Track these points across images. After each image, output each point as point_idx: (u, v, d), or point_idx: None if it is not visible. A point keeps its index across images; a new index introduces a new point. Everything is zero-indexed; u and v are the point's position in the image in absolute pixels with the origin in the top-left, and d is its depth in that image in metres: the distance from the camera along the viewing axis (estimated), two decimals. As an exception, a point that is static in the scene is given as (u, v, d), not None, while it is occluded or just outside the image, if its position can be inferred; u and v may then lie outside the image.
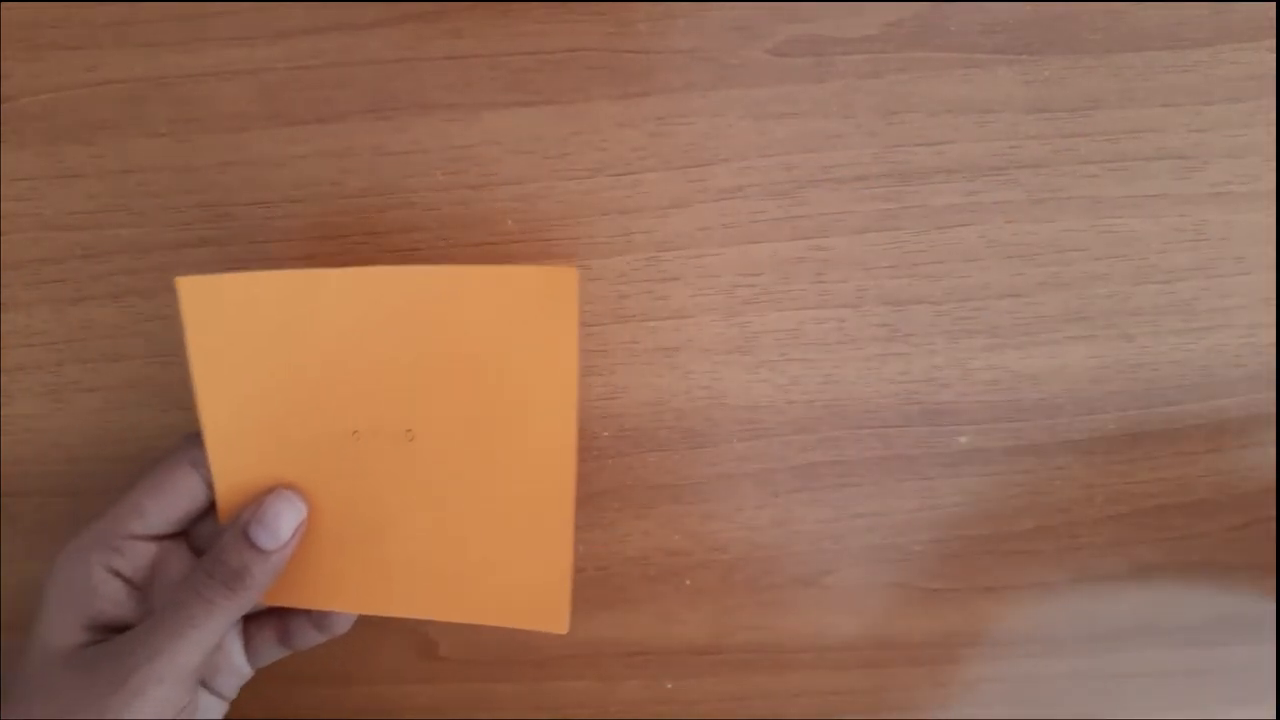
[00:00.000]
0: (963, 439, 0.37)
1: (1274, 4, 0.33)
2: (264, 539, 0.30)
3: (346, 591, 0.32)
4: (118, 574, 0.30)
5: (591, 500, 0.38)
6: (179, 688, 0.29)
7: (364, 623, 0.39)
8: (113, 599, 0.30)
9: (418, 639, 0.40)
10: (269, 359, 0.29)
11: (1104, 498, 0.38)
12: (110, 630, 0.30)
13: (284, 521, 0.30)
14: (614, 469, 0.38)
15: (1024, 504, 0.38)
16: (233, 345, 0.29)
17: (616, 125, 0.34)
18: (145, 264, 0.35)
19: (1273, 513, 0.39)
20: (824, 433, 0.37)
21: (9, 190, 0.35)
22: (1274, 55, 0.34)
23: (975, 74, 0.34)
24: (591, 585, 0.39)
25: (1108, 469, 0.38)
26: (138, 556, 0.30)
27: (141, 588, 0.31)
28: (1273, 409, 0.37)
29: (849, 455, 0.38)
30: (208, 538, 0.33)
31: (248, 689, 0.36)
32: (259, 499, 0.31)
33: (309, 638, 0.34)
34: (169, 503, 0.31)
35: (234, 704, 0.38)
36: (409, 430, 0.30)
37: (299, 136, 0.34)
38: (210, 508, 0.32)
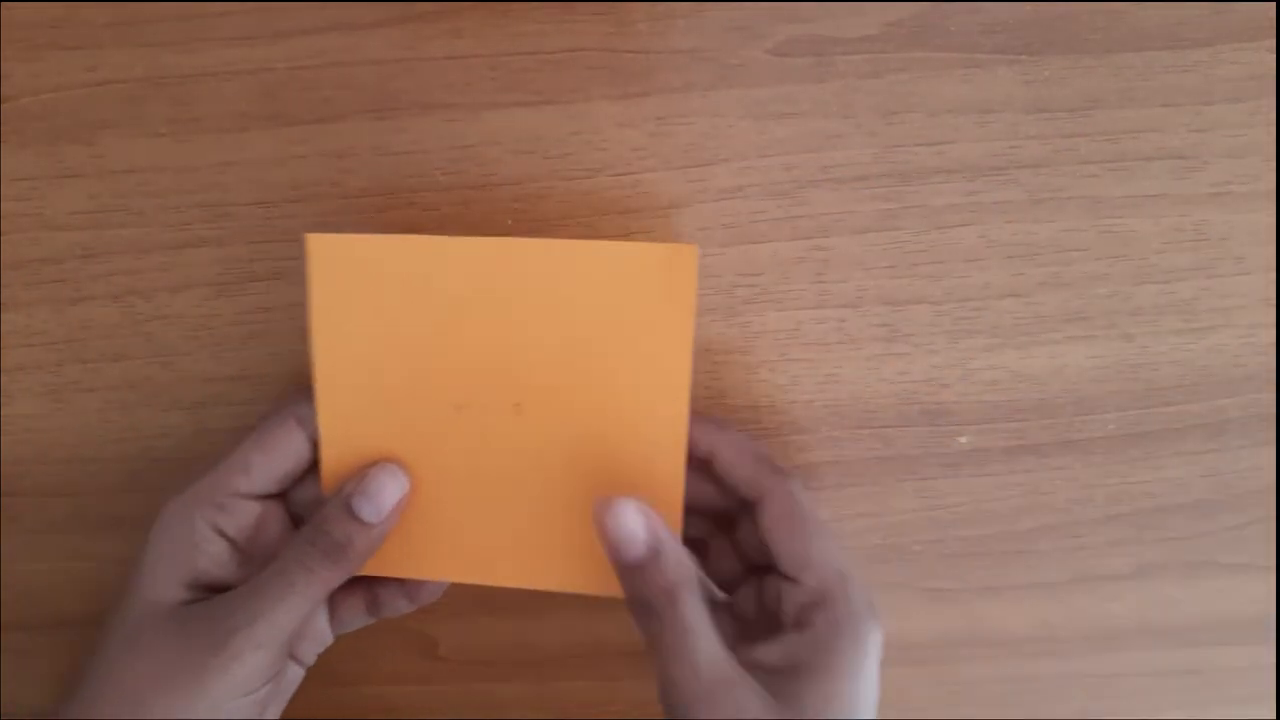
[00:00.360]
0: (963, 439, 0.37)
1: (1274, 4, 0.33)
2: (367, 511, 0.30)
3: (445, 561, 0.32)
4: (221, 533, 0.30)
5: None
6: (274, 653, 0.29)
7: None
8: (215, 558, 0.30)
9: (418, 639, 0.40)
10: (387, 324, 0.29)
11: (1104, 498, 0.38)
12: (209, 590, 0.30)
13: (387, 495, 0.30)
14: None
15: (1024, 504, 0.38)
16: (353, 308, 0.29)
17: (616, 125, 0.34)
18: (145, 264, 0.35)
19: (1273, 512, 0.39)
20: (824, 433, 0.37)
21: (9, 190, 0.35)
22: (1274, 55, 0.34)
23: (975, 74, 0.34)
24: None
25: (1108, 469, 0.38)
26: (241, 515, 0.30)
27: (243, 548, 0.31)
28: (1273, 409, 0.37)
29: (849, 455, 0.38)
30: (305, 503, 0.33)
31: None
32: (363, 471, 0.31)
33: (398, 606, 0.34)
34: (275, 460, 0.31)
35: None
36: (518, 403, 0.30)
37: (299, 136, 0.34)
38: (310, 469, 0.32)
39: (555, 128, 0.34)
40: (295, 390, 0.32)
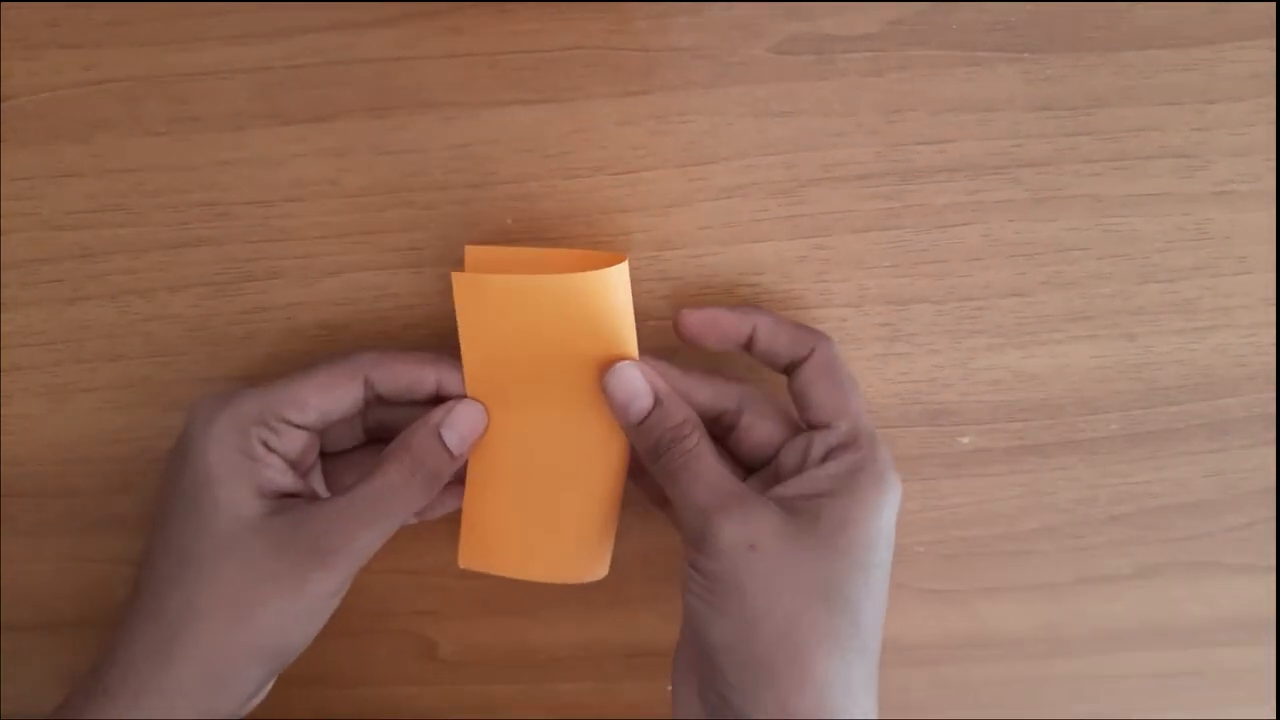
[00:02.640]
0: (965, 439, 0.37)
1: (1275, 2, 0.33)
2: (454, 442, 0.32)
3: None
4: (273, 450, 0.31)
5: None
6: (358, 568, 0.31)
7: (363, 625, 0.39)
8: (276, 469, 0.31)
9: (418, 641, 0.40)
10: (495, 342, 0.32)
11: (1106, 498, 0.38)
12: (277, 497, 0.31)
13: (470, 427, 0.33)
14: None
15: (1026, 504, 0.38)
16: (487, 333, 0.32)
17: (616, 124, 0.34)
18: (143, 264, 0.35)
19: (1275, 513, 0.38)
20: (825, 433, 0.37)
21: (7, 190, 0.35)
22: (1274, 54, 0.33)
23: (977, 72, 0.34)
24: (592, 585, 0.38)
25: (1110, 469, 0.38)
26: (290, 440, 0.32)
27: (296, 465, 0.32)
28: (1275, 409, 0.37)
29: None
30: (337, 435, 0.35)
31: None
32: (449, 405, 0.33)
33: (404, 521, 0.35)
34: (330, 404, 0.32)
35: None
36: (546, 406, 0.34)
37: (297, 135, 0.34)
38: (355, 417, 0.34)
39: (555, 126, 0.34)
40: (366, 350, 0.33)
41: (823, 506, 0.30)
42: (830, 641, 0.29)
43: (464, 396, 0.33)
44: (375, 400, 0.33)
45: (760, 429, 0.33)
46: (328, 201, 0.35)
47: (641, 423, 0.32)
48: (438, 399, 0.33)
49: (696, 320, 0.33)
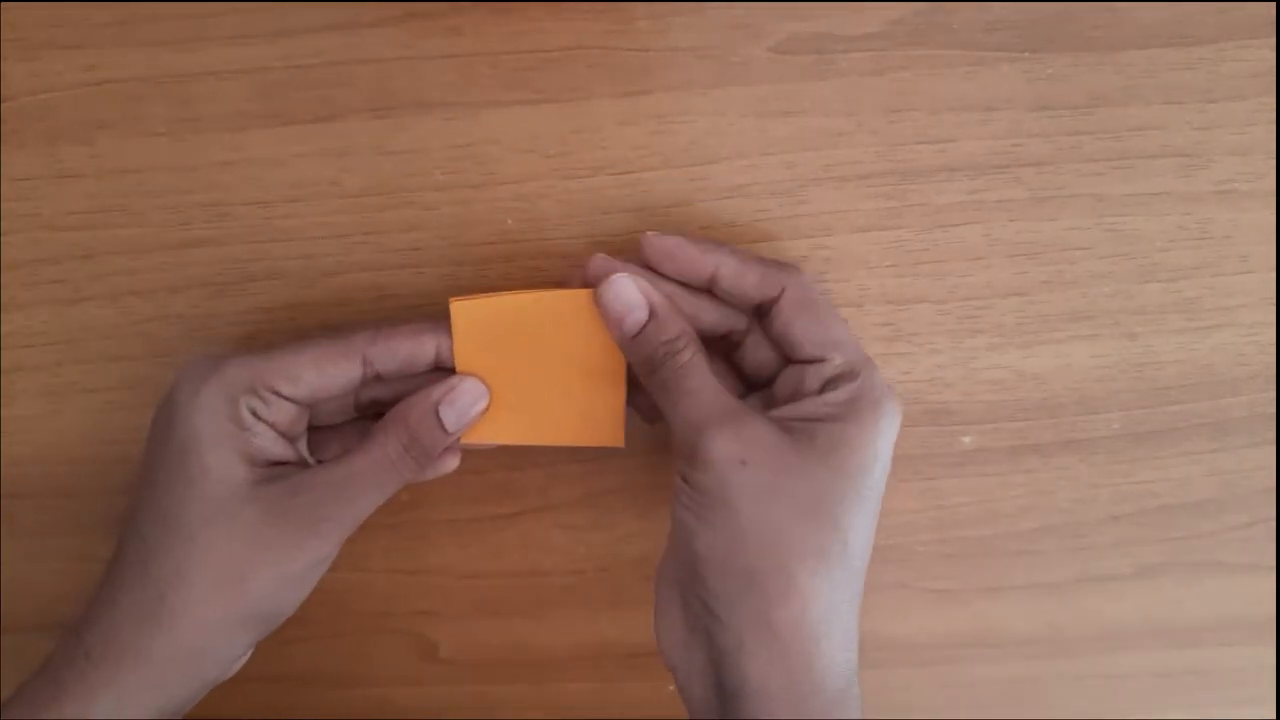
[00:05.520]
0: (966, 439, 0.37)
1: (1275, 2, 0.33)
2: (451, 421, 0.32)
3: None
4: (261, 419, 0.31)
5: (594, 500, 0.38)
6: (349, 535, 0.31)
7: (364, 625, 0.39)
8: (264, 437, 0.31)
9: (419, 642, 0.40)
10: (494, 370, 0.33)
11: (1107, 497, 0.38)
12: (267, 465, 0.31)
13: (472, 409, 0.32)
14: (616, 469, 0.38)
15: (1027, 504, 0.38)
16: (482, 360, 0.33)
17: (617, 124, 0.34)
18: (144, 264, 0.35)
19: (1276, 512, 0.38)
20: (826, 432, 0.37)
21: (8, 190, 0.35)
22: (1274, 53, 0.33)
23: (978, 72, 0.33)
24: (593, 586, 0.39)
25: (1111, 469, 0.38)
26: (280, 411, 0.31)
27: (285, 435, 0.32)
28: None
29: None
30: (328, 409, 0.34)
31: (248, 690, 0.36)
32: (450, 381, 0.32)
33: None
34: (324, 383, 0.31)
35: (234, 706, 0.38)
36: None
37: (298, 136, 0.34)
38: (352, 395, 0.34)
39: (555, 126, 0.34)
40: (363, 329, 0.32)
41: (819, 428, 0.29)
42: (816, 557, 0.29)
43: (464, 375, 0.32)
44: (374, 378, 0.33)
45: (765, 350, 0.33)
46: (328, 202, 0.35)
47: (636, 335, 0.31)
48: (437, 369, 0.33)
49: (656, 247, 0.32)
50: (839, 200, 0.35)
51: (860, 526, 0.29)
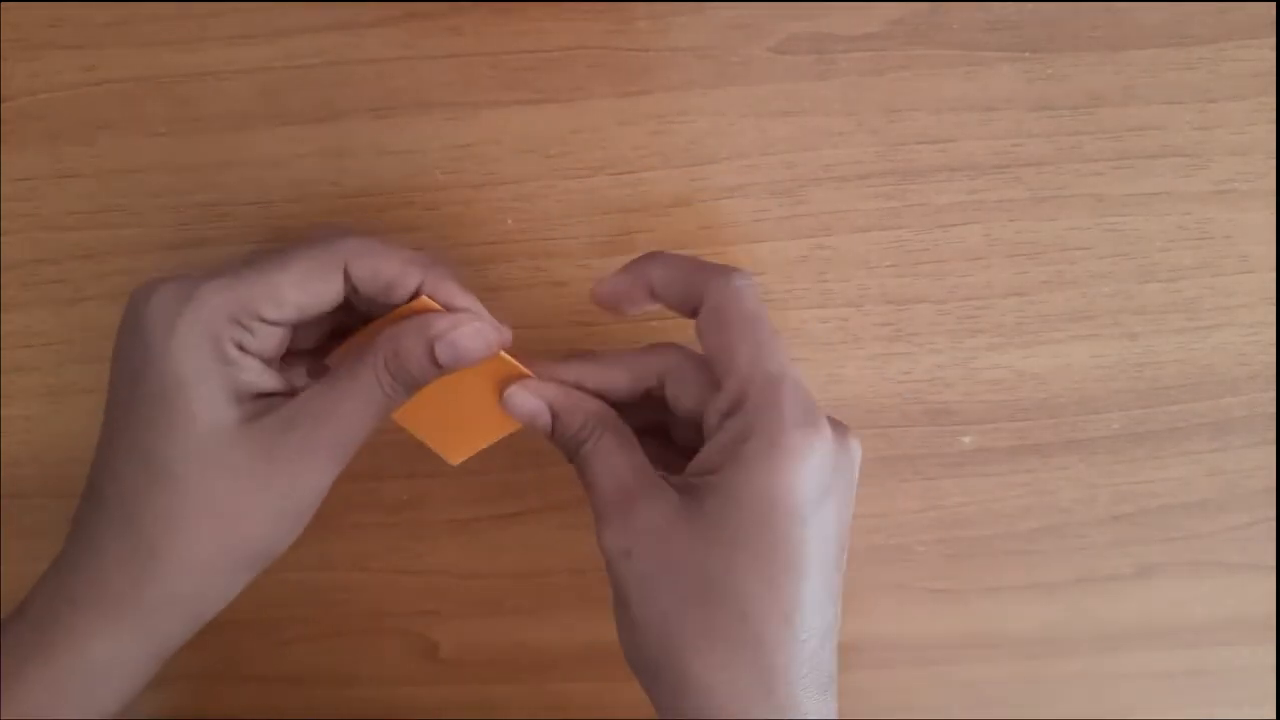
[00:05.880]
0: (966, 439, 0.37)
1: (1275, 2, 0.33)
2: (446, 357, 0.30)
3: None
4: (245, 350, 0.29)
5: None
6: (345, 464, 0.30)
7: (364, 625, 0.39)
8: (250, 370, 0.29)
9: (419, 642, 0.40)
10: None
11: (1108, 497, 0.38)
12: (253, 398, 0.29)
13: (473, 351, 0.30)
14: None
15: (1027, 504, 0.38)
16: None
17: (617, 124, 0.34)
18: (144, 264, 0.35)
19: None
20: (826, 432, 0.37)
21: (8, 190, 0.35)
22: (1274, 53, 0.33)
23: (978, 71, 0.33)
24: (593, 586, 0.38)
25: (1111, 469, 0.38)
26: (265, 338, 0.29)
27: (271, 363, 0.30)
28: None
29: (852, 455, 0.37)
30: (306, 331, 0.32)
31: (247, 690, 0.36)
32: (456, 318, 0.30)
33: None
34: (309, 300, 0.29)
35: (233, 707, 0.38)
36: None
37: (298, 136, 0.34)
38: (334, 310, 0.31)
39: (555, 126, 0.34)
40: (349, 237, 0.30)
41: (708, 485, 0.27)
42: (705, 640, 0.26)
43: (469, 317, 0.30)
44: (351, 292, 0.30)
45: (685, 397, 0.30)
46: (328, 202, 0.35)
47: (551, 435, 0.31)
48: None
49: (603, 294, 0.31)
50: (839, 200, 0.35)
51: (768, 595, 0.26)
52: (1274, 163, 0.34)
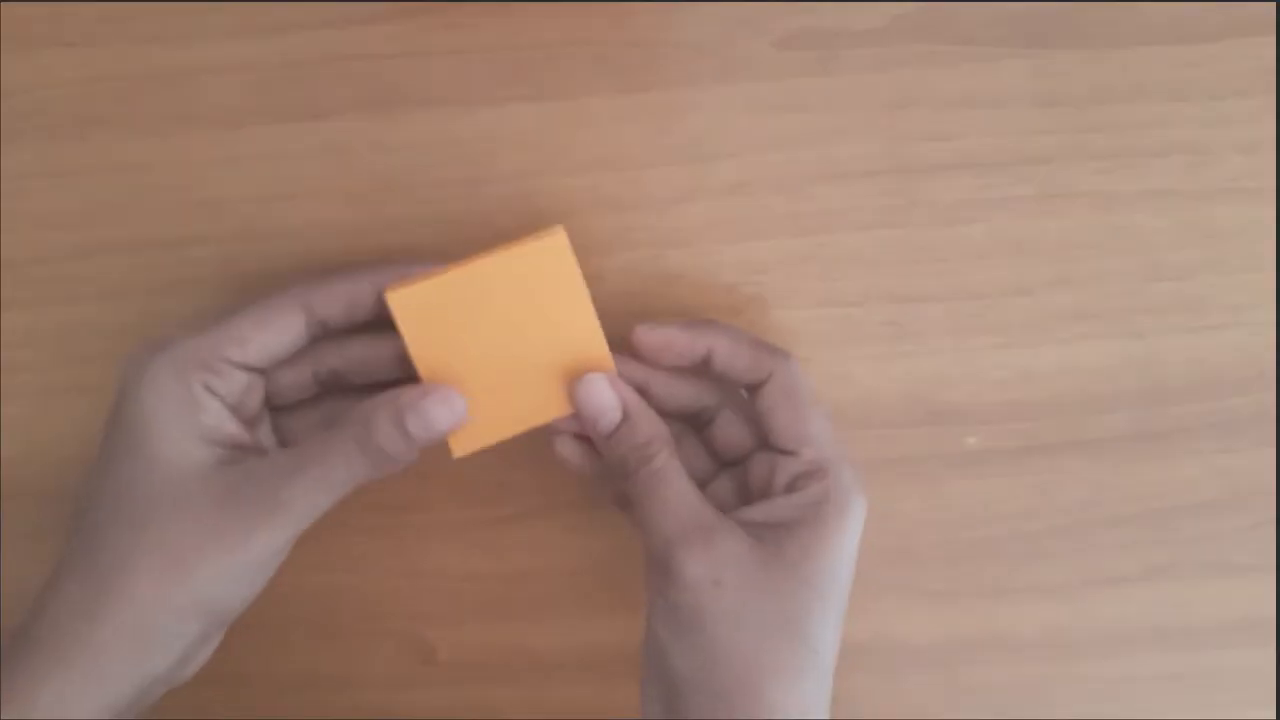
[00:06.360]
0: (971, 440, 0.37)
1: (1274, 3, 0.33)
2: (417, 429, 0.30)
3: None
4: (214, 393, 0.30)
5: (593, 501, 0.38)
6: (305, 526, 0.30)
7: (361, 628, 0.39)
8: (217, 415, 0.30)
9: (416, 645, 0.40)
10: (455, 353, 0.31)
11: (1113, 498, 0.38)
12: (223, 446, 0.30)
13: (440, 420, 0.30)
14: (616, 470, 0.38)
15: (1032, 505, 0.38)
16: (439, 346, 0.31)
17: (618, 120, 0.34)
18: (141, 262, 0.35)
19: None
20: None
21: (4, 188, 0.35)
22: (1274, 52, 0.33)
23: (983, 68, 0.33)
24: (593, 588, 0.38)
25: (1117, 469, 0.38)
26: (233, 382, 0.30)
27: (235, 409, 0.31)
28: (1285, 408, 0.37)
29: (855, 456, 0.37)
30: (287, 383, 0.33)
31: (243, 692, 0.36)
32: (424, 389, 0.30)
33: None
34: (271, 338, 0.31)
35: (231, 708, 0.38)
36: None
37: (295, 133, 0.34)
38: (298, 354, 0.32)
39: (555, 123, 0.34)
40: (302, 276, 0.31)
41: (786, 536, 0.30)
42: (788, 673, 0.29)
43: (440, 386, 0.31)
44: (321, 334, 0.31)
45: (735, 431, 0.33)
46: (325, 199, 0.34)
47: (609, 436, 0.31)
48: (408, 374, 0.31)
49: (651, 341, 0.32)
50: (842, 197, 0.34)
51: (828, 631, 0.30)
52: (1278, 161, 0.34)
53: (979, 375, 0.36)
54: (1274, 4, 0.33)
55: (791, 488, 0.31)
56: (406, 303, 0.30)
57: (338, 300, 0.31)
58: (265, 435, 0.33)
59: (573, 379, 0.31)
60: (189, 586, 0.29)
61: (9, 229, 0.35)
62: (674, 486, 0.31)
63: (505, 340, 0.31)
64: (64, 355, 0.36)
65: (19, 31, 0.33)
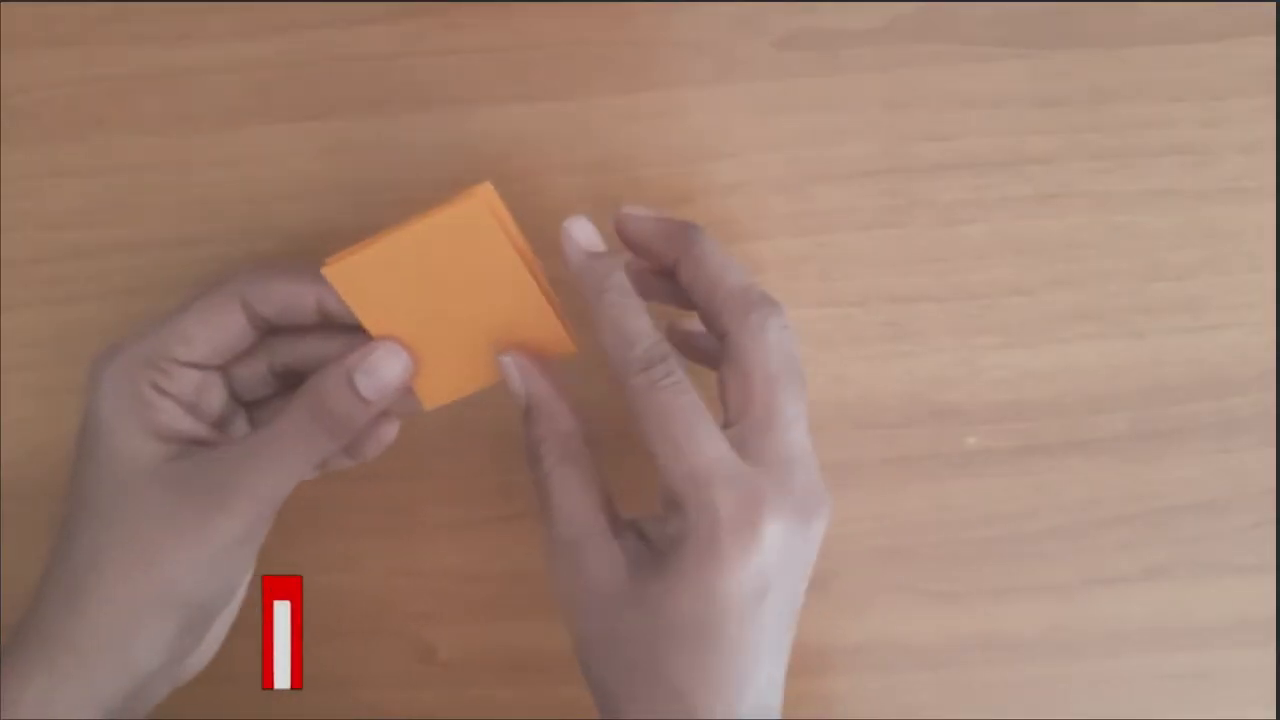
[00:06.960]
0: (971, 439, 0.37)
1: (1274, 3, 0.33)
2: (367, 388, 0.30)
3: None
4: (164, 392, 0.30)
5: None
6: (270, 512, 0.30)
7: (361, 628, 0.39)
8: (169, 412, 0.30)
9: (417, 645, 0.40)
10: (403, 316, 0.31)
11: (1114, 498, 0.38)
12: (174, 441, 0.30)
13: (389, 373, 0.30)
14: (616, 470, 0.37)
15: (1033, 505, 0.38)
16: (386, 313, 0.31)
17: (618, 120, 0.34)
18: (141, 262, 0.35)
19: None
20: (830, 433, 0.37)
21: (4, 189, 0.35)
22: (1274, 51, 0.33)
23: (983, 67, 0.33)
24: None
25: (1118, 469, 0.38)
26: (183, 380, 0.30)
27: (189, 407, 0.31)
28: (1286, 408, 0.37)
29: (855, 456, 0.37)
30: (245, 380, 0.32)
31: (243, 692, 0.35)
32: (367, 346, 0.30)
33: (338, 463, 0.34)
34: (215, 334, 0.30)
35: (230, 708, 0.37)
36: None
37: (294, 133, 0.34)
38: (251, 349, 0.32)
39: (555, 122, 0.34)
40: (242, 270, 0.31)
41: (657, 567, 0.28)
42: (643, 708, 0.27)
43: (384, 340, 0.30)
44: (269, 329, 0.31)
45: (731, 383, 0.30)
46: (325, 200, 0.34)
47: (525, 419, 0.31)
48: (330, 322, 0.31)
49: (636, 232, 0.31)
50: (842, 197, 0.34)
51: (709, 682, 0.27)
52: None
53: (979, 375, 0.36)
54: (1274, 4, 0.33)
55: (666, 508, 0.29)
56: (344, 275, 0.30)
57: (274, 299, 0.30)
58: (241, 430, 0.33)
59: (521, 335, 0.31)
60: (156, 580, 0.29)
61: (9, 229, 0.35)
62: (561, 498, 0.29)
63: (454, 300, 0.30)
64: (64, 355, 0.36)
65: (19, 31, 0.33)
